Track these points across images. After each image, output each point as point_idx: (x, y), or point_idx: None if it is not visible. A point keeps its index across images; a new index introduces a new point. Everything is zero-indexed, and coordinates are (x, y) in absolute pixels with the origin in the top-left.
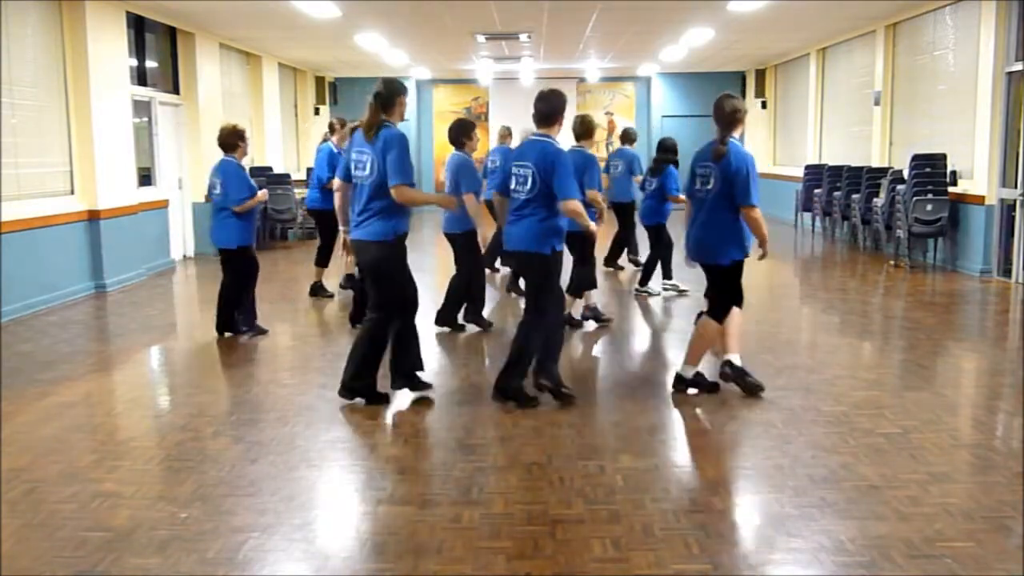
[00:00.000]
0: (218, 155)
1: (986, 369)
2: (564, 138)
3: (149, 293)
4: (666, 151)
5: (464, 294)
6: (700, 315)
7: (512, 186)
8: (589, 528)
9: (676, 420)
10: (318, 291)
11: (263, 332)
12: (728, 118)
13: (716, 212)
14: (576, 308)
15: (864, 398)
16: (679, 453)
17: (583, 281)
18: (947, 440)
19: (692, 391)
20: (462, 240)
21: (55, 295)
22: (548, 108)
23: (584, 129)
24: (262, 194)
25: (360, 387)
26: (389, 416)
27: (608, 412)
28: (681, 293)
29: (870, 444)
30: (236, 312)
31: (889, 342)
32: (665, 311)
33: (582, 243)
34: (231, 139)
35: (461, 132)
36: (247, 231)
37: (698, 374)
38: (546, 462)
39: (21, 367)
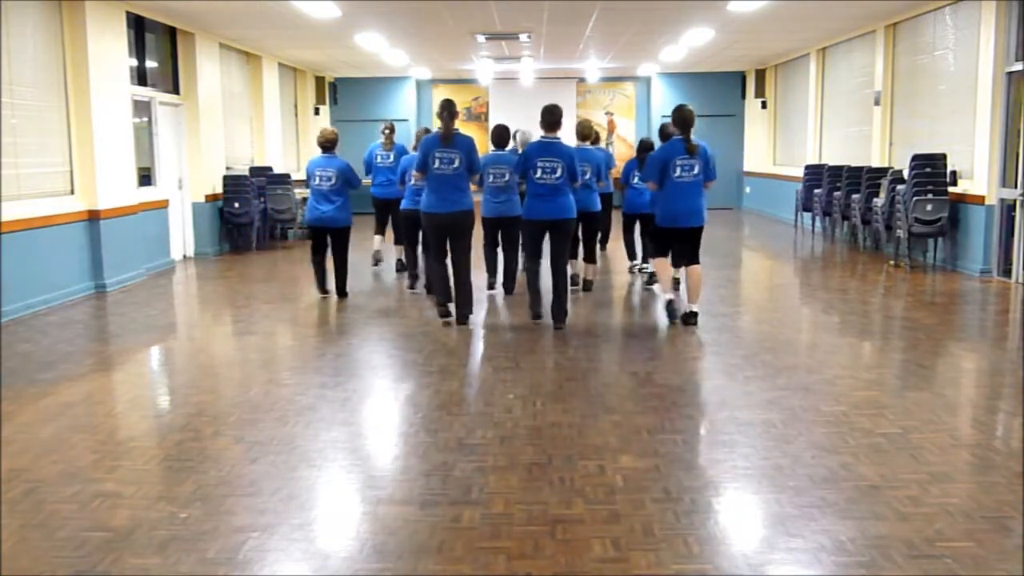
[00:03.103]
0: (219, 156)
1: (986, 369)
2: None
3: (149, 293)
4: (648, 150)
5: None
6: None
7: (538, 175)
8: (589, 528)
9: (676, 420)
10: (399, 266)
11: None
12: (691, 123)
13: (700, 189)
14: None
15: (864, 398)
16: (679, 453)
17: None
18: (947, 440)
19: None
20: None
21: (55, 295)
22: (555, 118)
23: (588, 132)
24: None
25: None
26: (389, 415)
27: (608, 411)
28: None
29: (870, 444)
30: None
31: (889, 342)
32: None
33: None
34: (334, 140)
35: (505, 134)
36: None
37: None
38: (546, 462)
39: (21, 367)
